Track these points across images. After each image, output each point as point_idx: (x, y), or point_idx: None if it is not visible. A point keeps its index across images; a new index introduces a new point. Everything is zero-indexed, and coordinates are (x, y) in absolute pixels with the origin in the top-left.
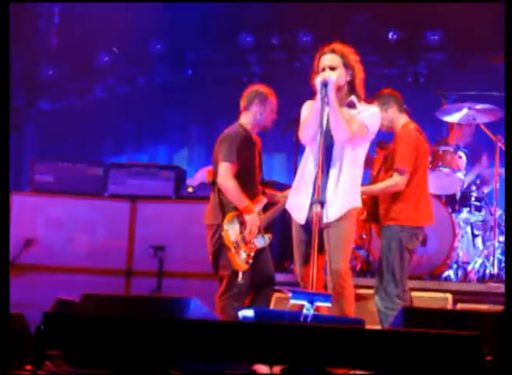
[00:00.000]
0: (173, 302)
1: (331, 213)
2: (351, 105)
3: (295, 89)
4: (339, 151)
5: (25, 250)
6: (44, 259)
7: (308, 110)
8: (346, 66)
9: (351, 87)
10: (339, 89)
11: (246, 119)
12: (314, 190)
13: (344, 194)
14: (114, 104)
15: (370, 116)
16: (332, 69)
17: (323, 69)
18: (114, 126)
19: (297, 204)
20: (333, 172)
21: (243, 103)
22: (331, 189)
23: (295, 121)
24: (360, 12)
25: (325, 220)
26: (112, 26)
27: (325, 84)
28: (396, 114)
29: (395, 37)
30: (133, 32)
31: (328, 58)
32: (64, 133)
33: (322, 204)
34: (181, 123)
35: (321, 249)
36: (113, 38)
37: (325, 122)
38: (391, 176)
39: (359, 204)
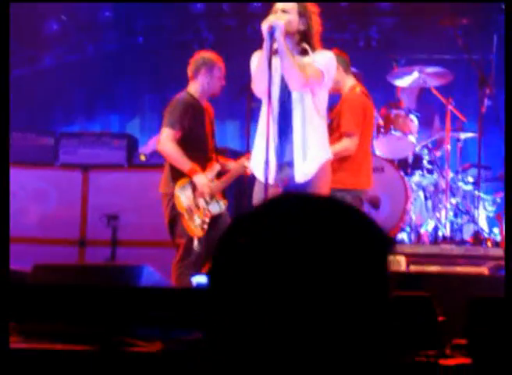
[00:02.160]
0: (126, 270)
1: (304, 171)
2: (303, 53)
3: (247, 55)
4: (299, 100)
5: None
6: None
7: (257, 60)
8: (301, 13)
9: (304, 37)
10: (289, 36)
11: (193, 88)
12: (280, 147)
13: (315, 146)
14: (64, 72)
15: (324, 60)
16: (284, 12)
17: (274, 13)
18: (64, 96)
19: (262, 165)
20: (296, 123)
21: (190, 72)
22: (298, 143)
23: (247, 87)
24: None
25: (298, 180)
26: None
27: (271, 30)
28: (342, 75)
29: (346, 1)
30: None
31: (282, 3)
32: (13, 103)
33: (290, 164)
34: (133, 92)
35: None
36: (62, 6)
37: (278, 71)
38: (338, 138)
39: (330, 155)
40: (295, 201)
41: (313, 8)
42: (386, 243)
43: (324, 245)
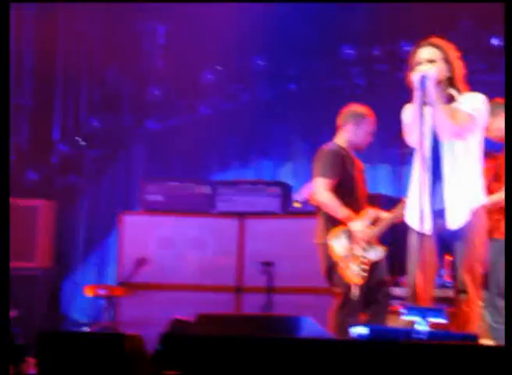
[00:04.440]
0: (287, 321)
1: (456, 217)
2: (451, 99)
3: (399, 100)
4: (449, 148)
5: (138, 269)
6: (156, 278)
7: (408, 112)
8: (446, 60)
9: (450, 83)
10: (437, 84)
11: (341, 138)
12: (431, 195)
13: (466, 192)
14: (218, 121)
15: (473, 103)
16: (431, 62)
17: (420, 63)
18: (219, 143)
19: (417, 214)
20: (446, 171)
21: (339, 121)
22: (449, 191)
23: (400, 132)
24: (461, 20)
25: (451, 227)
26: (215, 45)
27: (422, 80)
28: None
29: (498, 42)
30: (235, 50)
31: (426, 52)
32: (170, 152)
33: (441, 212)
34: (285, 138)
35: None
36: (216, 57)
37: (427, 119)
38: (500, 188)
39: (484, 200)
40: None
41: (455, 53)
42: None
43: None
